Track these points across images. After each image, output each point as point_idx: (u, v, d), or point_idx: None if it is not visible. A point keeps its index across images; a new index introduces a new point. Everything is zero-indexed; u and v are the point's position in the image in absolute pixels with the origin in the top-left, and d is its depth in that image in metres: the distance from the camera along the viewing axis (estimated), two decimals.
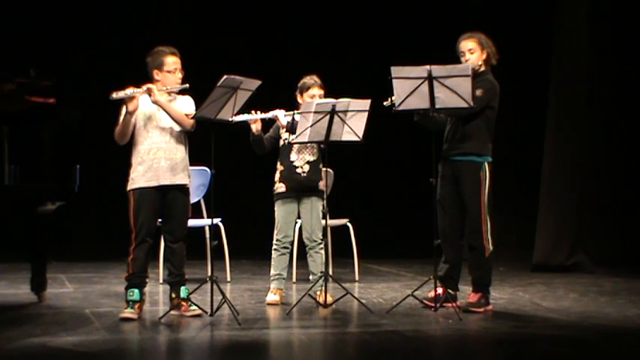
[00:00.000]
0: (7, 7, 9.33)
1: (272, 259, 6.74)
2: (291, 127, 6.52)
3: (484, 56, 6.42)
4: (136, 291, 5.95)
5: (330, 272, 7.58)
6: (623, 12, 9.01)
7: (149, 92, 5.94)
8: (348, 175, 9.10)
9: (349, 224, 7.93)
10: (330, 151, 6.59)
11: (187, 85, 6.03)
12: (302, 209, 6.77)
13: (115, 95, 5.86)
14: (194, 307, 6.06)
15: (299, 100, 6.75)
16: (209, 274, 6.29)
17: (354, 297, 6.70)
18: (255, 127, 6.60)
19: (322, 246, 6.75)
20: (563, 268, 8.77)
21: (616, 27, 9.02)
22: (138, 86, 5.94)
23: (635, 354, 5.31)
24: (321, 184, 6.73)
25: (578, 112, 8.99)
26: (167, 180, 6.00)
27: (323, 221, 6.69)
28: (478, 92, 6.29)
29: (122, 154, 6.14)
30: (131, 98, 5.90)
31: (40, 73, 6.45)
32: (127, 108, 5.92)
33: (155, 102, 5.95)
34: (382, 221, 10.52)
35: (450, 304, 6.24)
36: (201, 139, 6.08)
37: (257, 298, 6.93)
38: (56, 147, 6.44)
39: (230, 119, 6.17)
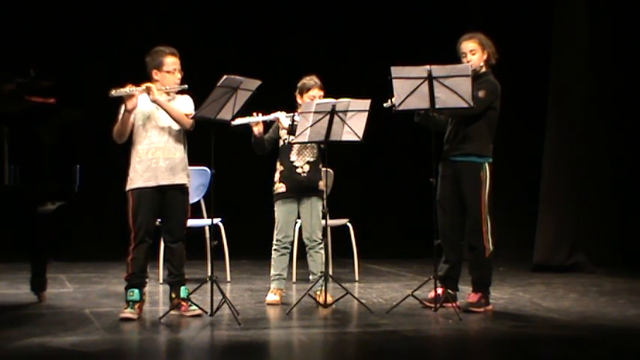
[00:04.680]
0: (7, 7, 9.33)
1: (272, 259, 6.74)
2: (292, 129, 6.52)
3: (485, 56, 6.42)
4: (136, 291, 5.95)
5: (330, 272, 7.58)
6: (623, 12, 9.01)
7: (148, 91, 5.93)
8: (348, 175, 9.09)
9: (349, 224, 7.93)
10: (330, 151, 6.59)
11: (186, 85, 6.03)
12: (302, 209, 6.77)
13: (114, 93, 5.86)
14: (194, 307, 6.06)
15: (299, 100, 6.75)
16: (209, 274, 6.29)
17: (354, 297, 6.70)
18: (257, 130, 6.60)
19: (322, 246, 6.76)
20: (563, 268, 8.77)
21: (616, 27, 9.02)
22: (137, 85, 5.94)
23: (635, 354, 5.31)
24: (321, 184, 6.73)
25: (578, 112, 8.99)
26: (166, 180, 6.00)
27: (323, 221, 6.69)
28: (481, 94, 6.29)
29: (122, 154, 6.14)
30: (130, 96, 5.89)
31: (40, 73, 6.45)
32: (125, 106, 5.92)
33: (154, 101, 5.95)
34: (382, 221, 10.52)
35: (450, 304, 6.24)
36: (201, 139, 6.08)
37: (257, 298, 6.93)
38: (56, 147, 6.44)
39: (230, 121, 6.18)
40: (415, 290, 6.42)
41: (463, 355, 5.33)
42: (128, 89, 5.89)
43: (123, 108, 5.95)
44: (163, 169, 6.00)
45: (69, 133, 6.66)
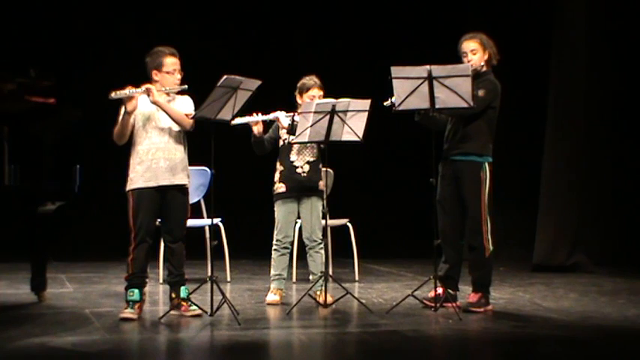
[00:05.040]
0: (7, 7, 9.33)
1: (272, 259, 6.74)
2: (292, 129, 6.52)
3: (486, 56, 6.42)
4: (136, 291, 5.95)
5: (330, 272, 7.58)
6: (623, 12, 9.01)
7: (148, 92, 5.93)
8: (348, 175, 9.09)
9: (349, 224, 7.93)
10: (330, 151, 6.59)
11: (186, 86, 6.03)
12: (302, 209, 6.77)
13: (114, 95, 5.86)
14: (194, 307, 6.06)
15: (298, 100, 6.75)
16: (209, 274, 6.29)
17: (354, 297, 6.70)
18: (257, 129, 6.60)
19: (322, 246, 6.75)
20: (563, 268, 8.77)
21: (615, 27, 9.02)
22: (137, 86, 5.94)
23: (635, 354, 5.31)
24: (321, 184, 6.73)
25: (578, 112, 8.99)
26: (166, 180, 6.00)
27: (323, 221, 6.69)
28: (480, 93, 6.29)
29: (122, 154, 6.14)
30: (130, 98, 5.90)
31: (40, 73, 6.45)
32: (125, 108, 5.92)
33: (154, 102, 5.95)
34: (382, 221, 10.52)
35: (450, 304, 6.24)
36: (201, 139, 6.08)
37: (257, 298, 6.93)
38: (56, 147, 6.44)
39: (230, 121, 6.18)
40: (415, 290, 6.42)
41: (463, 355, 5.34)
42: (128, 91, 5.89)
43: (123, 110, 5.95)
44: (163, 170, 6.00)
45: (69, 133, 6.66)
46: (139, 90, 5.92)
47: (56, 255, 8.17)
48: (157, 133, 6.03)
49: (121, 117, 5.98)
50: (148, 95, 5.93)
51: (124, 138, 6.03)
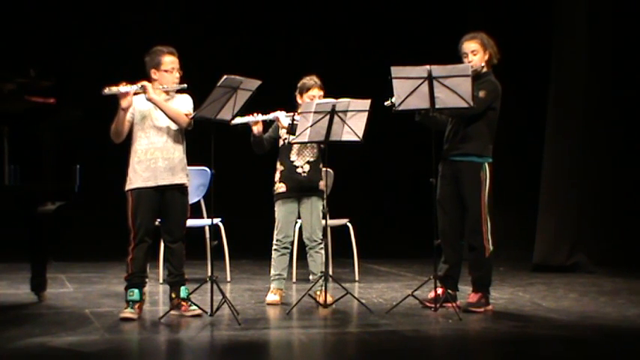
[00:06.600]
0: (7, 7, 9.33)
1: (272, 259, 6.74)
2: (292, 129, 6.52)
3: (486, 57, 6.42)
4: (136, 291, 5.95)
5: (330, 272, 7.58)
6: (623, 12, 9.01)
7: (144, 90, 5.92)
8: (348, 175, 9.09)
9: (349, 224, 7.93)
10: (330, 151, 6.59)
11: (185, 85, 6.02)
12: (302, 209, 6.77)
13: (107, 90, 5.84)
14: (194, 307, 6.06)
15: (298, 100, 6.75)
16: (209, 274, 6.29)
17: (354, 297, 6.70)
18: (257, 129, 6.60)
19: (322, 246, 6.76)
20: (563, 268, 8.77)
21: (616, 27, 9.02)
22: (132, 83, 5.92)
23: (635, 354, 5.31)
24: (321, 184, 6.73)
25: (578, 112, 8.99)
26: (165, 180, 6.00)
27: (323, 221, 6.69)
28: (481, 93, 6.29)
29: (121, 153, 6.13)
30: (124, 94, 5.88)
31: (40, 73, 6.44)
32: (120, 104, 5.90)
33: (149, 99, 5.93)
34: (382, 221, 10.52)
35: (449, 304, 6.24)
36: (201, 139, 6.08)
37: (257, 298, 6.93)
38: (56, 147, 6.44)
39: (230, 120, 6.18)
40: (415, 290, 6.42)
41: (463, 355, 5.34)
42: (122, 87, 5.88)
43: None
44: (162, 169, 5.99)
45: (69, 133, 6.66)
46: (133, 87, 5.91)
47: (56, 255, 8.17)
48: (155, 133, 6.02)
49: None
50: (144, 92, 5.92)
51: (121, 135, 6.01)
